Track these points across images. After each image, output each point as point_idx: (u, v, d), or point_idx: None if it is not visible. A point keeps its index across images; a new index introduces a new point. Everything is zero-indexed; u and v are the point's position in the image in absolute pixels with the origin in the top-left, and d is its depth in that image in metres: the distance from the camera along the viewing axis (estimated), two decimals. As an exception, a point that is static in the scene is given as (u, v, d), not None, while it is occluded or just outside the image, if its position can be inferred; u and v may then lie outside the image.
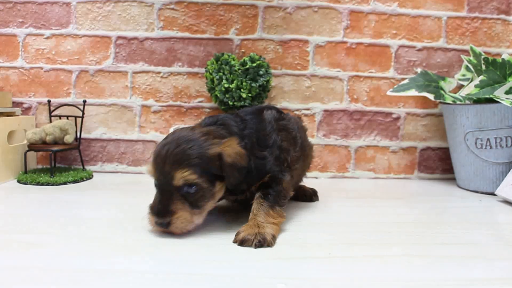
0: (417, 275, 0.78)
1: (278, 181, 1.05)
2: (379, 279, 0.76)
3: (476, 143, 1.52)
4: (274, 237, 0.94)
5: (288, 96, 1.75)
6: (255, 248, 0.90)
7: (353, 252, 0.90)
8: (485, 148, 1.51)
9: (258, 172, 1.04)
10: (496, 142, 1.49)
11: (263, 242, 0.91)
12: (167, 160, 0.92)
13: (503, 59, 1.48)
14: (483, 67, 1.49)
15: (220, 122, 1.06)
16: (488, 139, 1.50)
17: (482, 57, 1.50)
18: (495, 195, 1.46)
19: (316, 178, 1.78)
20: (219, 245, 0.92)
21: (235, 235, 0.95)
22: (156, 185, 0.96)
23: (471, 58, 1.61)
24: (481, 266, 0.83)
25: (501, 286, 0.74)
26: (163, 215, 0.92)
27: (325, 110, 1.77)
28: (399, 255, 0.89)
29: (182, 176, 0.91)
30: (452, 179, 1.75)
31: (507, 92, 1.43)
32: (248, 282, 0.73)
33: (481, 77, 1.48)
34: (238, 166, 0.97)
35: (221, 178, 0.98)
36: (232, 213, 1.18)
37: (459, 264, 0.85)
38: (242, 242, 0.92)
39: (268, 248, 0.90)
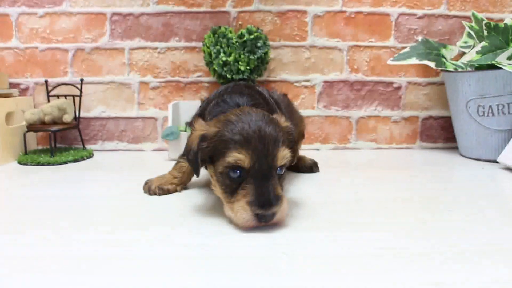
0: (419, 246, 0.77)
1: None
2: (381, 248, 0.75)
3: (478, 111, 1.51)
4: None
5: (287, 68, 1.72)
6: None
7: (353, 221, 0.89)
8: (487, 115, 1.49)
9: None
10: (498, 109, 1.47)
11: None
12: (265, 140, 0.82)
13: (505, 24, 1.45)
14: (485, 33, 1.46)
15: (254, 102, 0.99)
16: (490, 106, 1.48)
17: (484, 22, 1.47)
18: (497, 162, 1.45)
19: (318, 149, 1.77)
20: (216, 225, 0.92)
21: None
22: (250, 173, 0.83)
23: (473, 24, 1.58)
24: (483, 234, 0.83)
25: (504, 251, 0.74)
26: (271, 205, 0.80)
27: (325, 81, 1.75)
28: (399, 224, 0.88)
29: (284, 154, 0.84)
30: (455, 148, 1.75)
31: (509, 58, 1.41)
32: (248, 262, 0.72)
33: (483, 43, 1.45)
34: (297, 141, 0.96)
35: None
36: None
37: (462, 233, 0.84)
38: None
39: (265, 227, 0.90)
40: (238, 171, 0.83)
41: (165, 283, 0.62)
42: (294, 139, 0.93)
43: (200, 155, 0.87)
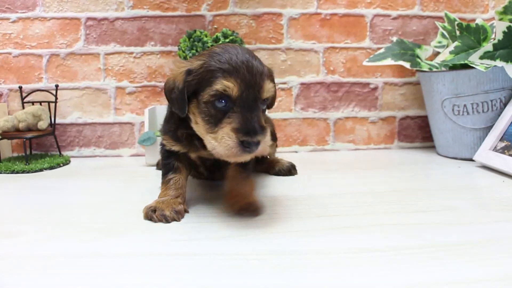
0: (393, 243, 0.78)
1: None
2: (355, 250, 0.76)
3: (453, 110, 1.52)
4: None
5: (264, 71, 1.72)
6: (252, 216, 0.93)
7: (332, 224, 0.90)
8: (462, 114, 1.51)
9: None
10: (472, 108, 1.49)
11: (254, 212, 0.94)
12: (253, 71, 0.84)
13: (477, 24, 1.47)
14: (458, 33, 1.48)
15: None
16: (465, 105, 1.50)
17: (456, 23, 1.49)
18: (473, 160, 1.47)
19: (296, 152, 1.77)
20: (195, 223, 0.91)
21: (232, 205, 0.96)
22: (237, 103, 0.83)
23: (446, 24, 1.60)
24: (457, 231, 0.84)
25: (476, 249, 0.75)
26: (257, 133, 0.81)
27: (302, 83, 1.75)
28: (376, 224, 0.89)
29: (269, 87, 0.86)
30: (432, 147, 1.76)
31: (481, 57, 1.42)
32: (223, 259, 0.72)
33: (456, 43, 1.47)
34: None
35: None
36: (201, 187, 1.18)
37: (436, 230, 0.85)
38: (247, 209, 0.94)
39: (245, 224, 0.90)
40: (223, 101, 0.84)
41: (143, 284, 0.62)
42: (274, 80, 0.94)
43: (186, 91, 0.88)
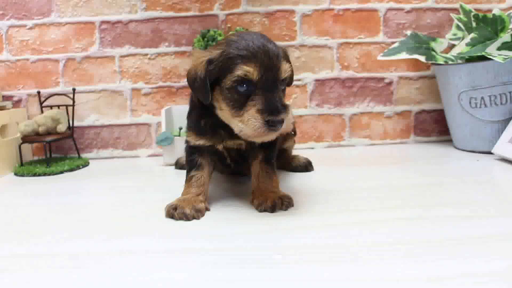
0: (414, 237, 0.78)
1: (275, 142, 1.04)
2: (377, 243, 0.76)
3: (470, 103, 1.51)
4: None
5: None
6: (286, 209, 0.96)
7: (351, 219, 0.90)
8: (480, 107, 1.49)
9: None
10: (490, 100, 1.47)
11: (289, 203, 0.98)
12: (270, 54, 0.88)
13: (493, 15, 1.46)
14: (474, 24, 1.47)
15: None
16: (482, 98, 1.48)
17: (472, 14, 1.47)
18: (492, 153, 1.45)
19: (312, 148, 1.77)
20: (216, 220, 0.92)
21: (258, 205, 0.97)
22: (259, 85, 0.87)
23: (461, 16, 1.59)
24: (478, 225, 0.83)
25: (499, 242, 0.74)
26: (280, 112, 0.86)
27: (317, 80, 1.75)
28: (396, 219, 0.89)
29: (286, 67, 0.90)
30: (449, 141, 1.75)
31: (499, 48, 1.41)
32: (249, 254, 0.73)
33: (472, 35, 1.46)
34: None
35: None
36: (225, 184, 1.19)
37: (457, 224, 0.84)
38: (273, 208, 0.95)
39: (268, 220, 0.91)
40: (245, 85, 0.88)
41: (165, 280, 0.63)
42: (289, 60, 0.96)
43: (208, 79, 0.91)
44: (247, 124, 0.87)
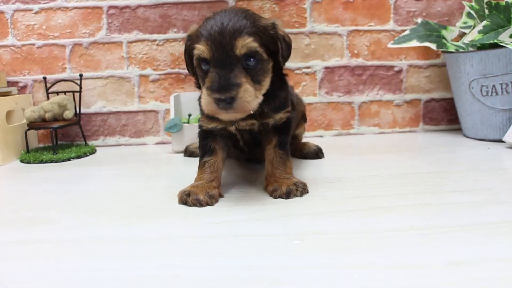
0: (430, 223, 0.77)
1: (289, 126, 1.04)
2: (393, 228, 0.75)
3: (481, 91, 1.50)
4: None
5: (287, 56, 1.71)
6: (301, 196, 0.96)
7: (365, 205, 0.89)
8: (491, 95, 1.48)
9: (281, 101, 1.02)
10: (502, 88, 1.46)
11: (304, 190, 0.97)
12: (225, 31, 0.87)
13: (506, 2, 1.44)
14: (486, 11, 1.45)
15: None
16: (493, 86, 1.47)
17: (485, 1, 1.45)
18: (503, 142, 1.44)
19: (321, 136, 1.76)
20: (230, 206, 0.91)
21: (272, 192, 0.97)
22: (212, 63, 0.88)
23: (473, 3, 1.57)
24: (494, 211, 0.83)
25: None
26: (228, 89, 0.85)
27: (326, 67, 1.74)
28: (411, 205, 0.88)
29: (244, 43, 0.87)
30: (458, 129, 1.74)
31: None
32: (266, 240, 0.72)
33: (485, 22, 1.44)
34: (288, 42, 0.97)
35: (272, 56, 0.94)
36: (238, 170, 1.18)
37: (472, 209, 0.84)
38: (288, 194, 0.95)
39: (282, 206, 0.90)
40: (205, 63, 0.90)
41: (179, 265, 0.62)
42: (277, 35, 0.94)
43: (187, 54, 0.97)
44: (202, 101, 0.90)
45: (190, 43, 0.95)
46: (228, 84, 0.85)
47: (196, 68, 0.94)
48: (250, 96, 0.87)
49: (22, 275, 0.63)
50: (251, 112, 0.90)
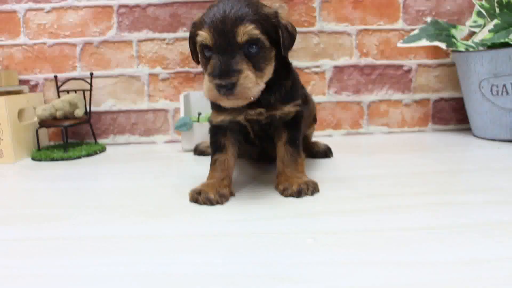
0: (443, 222, 0.77)
1: (299, 121, 1.04)
2: (406, 227, 0.75)
3: (491, 90, 1.49)
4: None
5: (296, 55, 1.71)
6: (312, 195, 0.96)
7: (377, 204, 0.89)
8: (501, 94, 1.48)
9: (287, 90, 1.02)
10: (512, 88, 1.46)
11: (315, 189, 0.98)
12: (227, 19, 0.88)
13: (517, 1, 1.43)
14: (497, 10, 1.45)
15: None
16: (504, 85, 1.47)
17: (496, 0, 1.45)
18: (513, 141, 1.44)
19: (330, 136, 1.76)
20: (242, 204, 0.92)
21: (283, 190, 0.97)
22: (214, 50, 0.90)
23: (483, 2, 1.56)
24: (508, 210, 0.83)
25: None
26: (229, 75, 0.86)
27: (335, 67, 1.74)
28: (423, 204, 0.88)
29: (246, 30, 0.88)
30: (467, 129, 1.73)
31: (522, 35, 1.40)
32: (279, 238, 0.72)
33: (495, 21, 1.44)
34: (290, 31, 0.97)
35: (275, 44, 0.95)
36: (249, 169, 1.18)
37: (485, 209, 0.84)
38: (299, 193, 0.95)
39: (293, 205, 0.90)
40: (207, 49, 0.91)
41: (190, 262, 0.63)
42: (279, 24, 0.94)
43: (191, 41, 0.98)
44: (204, 87, 0.91)
45: (194, 30, 0.96)
46: (229, 70, 0.86)
47: (199, 55, 0.96)
48: (251, 83, 0.88)
49: (36, 271, 0.64)
50: (252, 99, 0.90)
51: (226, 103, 0.91)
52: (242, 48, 0.89)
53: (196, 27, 0.95)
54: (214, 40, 0.89)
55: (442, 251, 0.65)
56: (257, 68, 0.90)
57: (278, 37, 0.94)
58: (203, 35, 0.90)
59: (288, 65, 1.05)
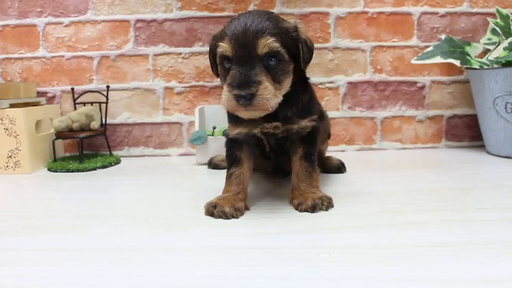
0: (460, 239, 0.77)
1: (315, 136, 1.05)
2: (422, 243, 0.75)
3: (506, 108, 1.49)
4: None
5: (311, 70, 1.72)
6: (326, 210, 0.97)
7: (392, 220, 0.89)
8: (516, 112, 1.48)
9: (304, 104, 1.03)
10: (526, 106, 1.46)
11: (329, 204, 0.98)
12: (248, 31, 0.89)
13: (531, 20, 1.44)
14: (512, 28, 1.45)
15: None
16: (518, 103, 1.47)
17: (511, 18, 1.46)
18: (528, 159, 1.43)
19: (343, 151, 1.77)
20: (257, 219, 0.93)
21: (298, 205, 0.98)
22: (234, 61, 0.91)
23: (498, 20, 1.57)
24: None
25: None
26: (248, 86, 0.87)
27: (349, 82, 1.75)
28: (438, 221, 0.88)
29: (266, 43, 0.89)
30: (481, 146, 1.73)
31: (537, 53, 1.40)
32: (294, 253, 0.73)
33: (510, 39, 1.44)
34: (309, 46, 0.98)
35: (293, 58, 0.96)
36: (264, 184, 1.19)
37: (502, 227, 0.83)
38: (314, 208, 0.96)
39: (308, 220, 0.91)
40: (227, 61, 0.93)
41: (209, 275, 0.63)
42: (298, 38, 0.96)
43: (211, 53, 1.01)
44: (223, 97, 0.91)
45: (214, 42, 0.98)
46: (249, 81, 0.87)
47: (219, 66, 0.97)
48: (269, 94, 0.89)
49: (53, 281, 0.65)
50: (270, 110, 0.92)
51: (244, 114, 0.92)
52: (261, 60, 0.90)
53: (216, 39, 0.97)
54: (234, 51, 0.90)
55: (457, 268, 0.65)
56: (276, 81, 0.92)
57: (297, 51, 0.95)
58: (224, 47, 0.91)
59: (306, 79, 1.06)
